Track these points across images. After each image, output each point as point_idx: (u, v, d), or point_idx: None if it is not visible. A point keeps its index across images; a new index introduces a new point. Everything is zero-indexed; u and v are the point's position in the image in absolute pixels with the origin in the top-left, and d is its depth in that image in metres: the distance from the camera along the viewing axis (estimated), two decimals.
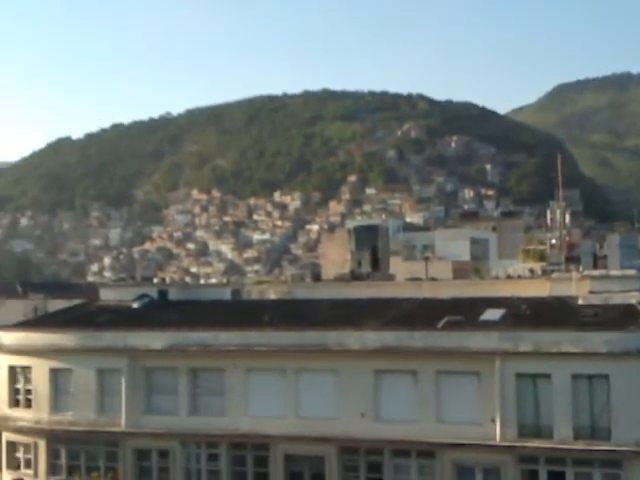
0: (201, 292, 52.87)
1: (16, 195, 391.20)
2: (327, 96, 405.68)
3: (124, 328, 43.26)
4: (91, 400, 42.45)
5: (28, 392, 44.14)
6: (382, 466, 37.84)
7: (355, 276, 57.52)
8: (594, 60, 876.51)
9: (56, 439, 43.08)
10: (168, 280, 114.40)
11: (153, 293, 49.39)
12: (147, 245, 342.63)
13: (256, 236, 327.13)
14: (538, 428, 35.66)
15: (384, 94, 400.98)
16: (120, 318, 45.68)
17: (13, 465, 44.57)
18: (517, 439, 35.63)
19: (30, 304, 77.99)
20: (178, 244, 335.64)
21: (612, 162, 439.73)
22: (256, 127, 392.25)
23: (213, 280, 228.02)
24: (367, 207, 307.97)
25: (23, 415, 44.08)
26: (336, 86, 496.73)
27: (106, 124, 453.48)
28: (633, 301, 38.29)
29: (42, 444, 43.36)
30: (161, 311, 46.64)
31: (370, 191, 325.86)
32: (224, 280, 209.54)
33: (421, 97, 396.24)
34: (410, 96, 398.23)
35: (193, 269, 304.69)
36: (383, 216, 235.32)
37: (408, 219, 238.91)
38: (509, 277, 58.36)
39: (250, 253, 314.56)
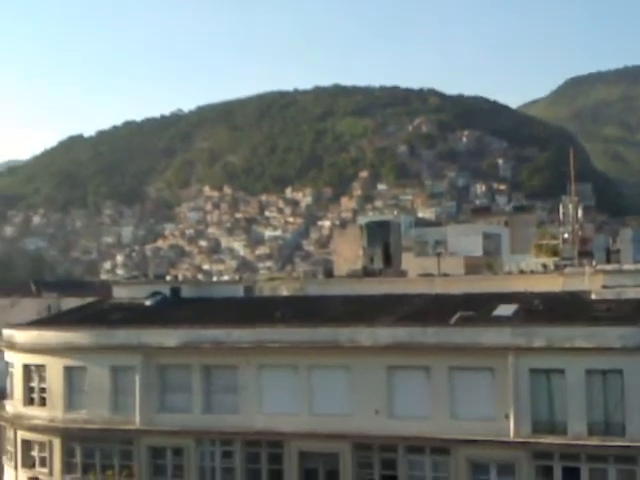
0: (213, 289, 52.89)
1: (29, 193, 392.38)
2: (338, 91, 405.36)
3: (137, 326, 43.32)
4: (105, 398, 42.54)
5: (42, 390, 44.23)
6: (396, 463, 37.82)
7: (367, 272, 57.44)
8: (606, 53, 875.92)
9: (71, 437, 43.17)
10: (180, 277, 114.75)
11: (166, 290, 49.46)
12: (159, 242, 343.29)
13: (268, 232, 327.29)
14: (552, 424, 35.58)
15: (395, 89, 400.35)
16: (133, 316, 45.76)
17: (28, 463, 44.69)
18: (531, 435, 35.55)
19: (44, 302, 78.33)
20: (190, 241, 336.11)
21: (624, 156, 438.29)
22: (267, 123, 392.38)
23: (225, 277, 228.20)
24: (379, 203, 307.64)
25: (38, 413, 44.19)
26: (347, 81, 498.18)
27: (118, 121, 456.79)
28: None
29: (57, 442, 43.45)
30: (174, 308, 46.71)
31: (382, 187, 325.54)
32: (236, 277, 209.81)
33: (432, 92, 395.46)
34: (421, 91, 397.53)
35: (205, 266, 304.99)
36: (395, 212, 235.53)
37: (420, 214, 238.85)
38: (522, 272, 58.10)
39: (262, 250, 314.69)
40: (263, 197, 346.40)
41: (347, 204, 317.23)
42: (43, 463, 44.06)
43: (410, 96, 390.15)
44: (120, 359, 42.56)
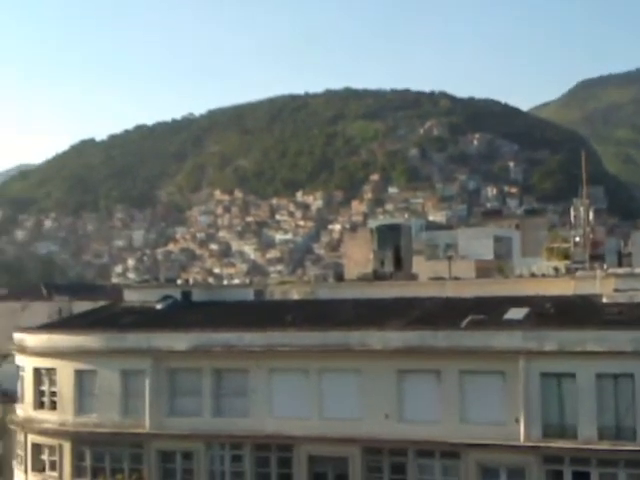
0: (224, 293, 52.87)
1: (40, 197, 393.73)
2: (349, 95, 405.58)
3: (148, 329, 43.32)
4: (115, 402, 42.54)
5: (53, 394, 44.25)
6: (406, 467, 37.71)
7: (378, 276, 57.41)
8: (617, 55, 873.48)
9: (81, 441, 43.19)
10: (191, 281, 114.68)
11: (177, 294, 49.49)
12: (170, 246, 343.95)
13: (279, 236, 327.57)
14: (563, 428, 35.42)
15: (406, 92, 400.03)
16: (144, 319, 45.78)
17: (38, 467, 44.72)
18: (541, 439, 35.40)
19: (55, 306, 78.73)
20: (201, 245, 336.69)
21: (636, 159, 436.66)
22: (278, 127, 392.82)
23: (236, 281, 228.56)
24: (389, 206, 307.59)
25: (48, 417, 44.22)
26: (358, 85, 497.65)
27: (129, 125, 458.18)
28: None
29: (67, 446, 43.48)
30: (185, 312, 46.71)
31: (392, 190, 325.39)
32: (247, 281, 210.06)
33: (443, 95, 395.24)
34: (432, 94, 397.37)
35: (216, 270, 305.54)
36: (406, 215, 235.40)
37: (431, 218, 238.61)
38: (533, 276, 57.97)
39: (273, 253, 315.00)
40: (274, 201, 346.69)
41: (358, 207, 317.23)
42: (53, 467, 44.09)
43: (421, 99, 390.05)
44: (130, 363, 42.57)
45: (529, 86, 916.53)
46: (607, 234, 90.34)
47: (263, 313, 45.53)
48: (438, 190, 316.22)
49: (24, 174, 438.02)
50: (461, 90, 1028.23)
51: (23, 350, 45.72)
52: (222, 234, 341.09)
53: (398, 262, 60.48)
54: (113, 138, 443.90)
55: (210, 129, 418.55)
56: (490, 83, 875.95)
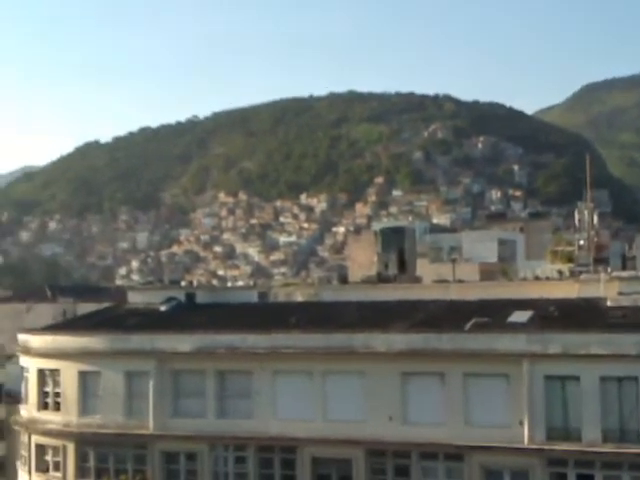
0: (228, 295, 52.88)
1: (45, 199, 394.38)
2: (353, 97, 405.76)
3: (152, 331, 43.40)
4: (119, 403, 42.61)
5: (57, 395, 44.32)
6: (410, 469, 37.70)
7: (382, 278, 57.29)
8: (622, 59, 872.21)
9: (85, 442, 43.25)
10: (195, 283, 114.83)
11: (181, 296, 49.52)
12: (174, 248, 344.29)
13: (282, 238, 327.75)
14: (567, 431, 35.41)
15: (410, 95, 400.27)
16: (148, 321, 45.84)
17: (42, 468, 44.79)
18: (545, 442, 35.39)
19: (59, 307, 78.96)
20: (205, 247, 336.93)
21: None
22: (282, 129, 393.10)
23: (240, 283, 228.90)
24: (393, 209, 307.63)
25: (52, 418, 44.29)
26: (362, 87, 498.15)
27: (134, 128, 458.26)
28: None
29: (71, 447, 43.54)
30: (189, 314, 46.77)
31: (397, 193, 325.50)
32: (251, 283, 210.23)
33: (448, 98, 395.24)
34: (437, 97, 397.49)
35: (220, 272, 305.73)
36: (410, 218, 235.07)
37: (435, 220, 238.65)
38: (537, 279, 57.83)
39: (277, 255, 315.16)
40: (278, 203, 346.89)
41: (362, 210, 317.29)
42: (57, 467, 44.17)
43: (425, 102, 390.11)
44: (134, 364, 42.62)
45: (534, 89, 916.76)
46: (611, 237, 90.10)
47: (267, 315, 45.56)
48: (442, 193, 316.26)
49: (29, 176, 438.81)
50: (465, 93, 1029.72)
51: (27, 351, 45.82)
52: (226, 236, 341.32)
53: (402, 265, 60.32)
54: (117, 140, 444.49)
55: (214, 131, 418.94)
56: (495, 86, 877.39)
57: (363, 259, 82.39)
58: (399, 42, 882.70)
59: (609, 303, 39.41)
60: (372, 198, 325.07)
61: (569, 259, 72.38)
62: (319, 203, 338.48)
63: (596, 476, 34.65)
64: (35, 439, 45.05)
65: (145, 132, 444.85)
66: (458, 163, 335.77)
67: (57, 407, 44.33)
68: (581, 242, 72.17)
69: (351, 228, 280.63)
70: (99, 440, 42.79)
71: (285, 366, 40.10)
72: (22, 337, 47.15)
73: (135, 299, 50.55)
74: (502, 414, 36.14)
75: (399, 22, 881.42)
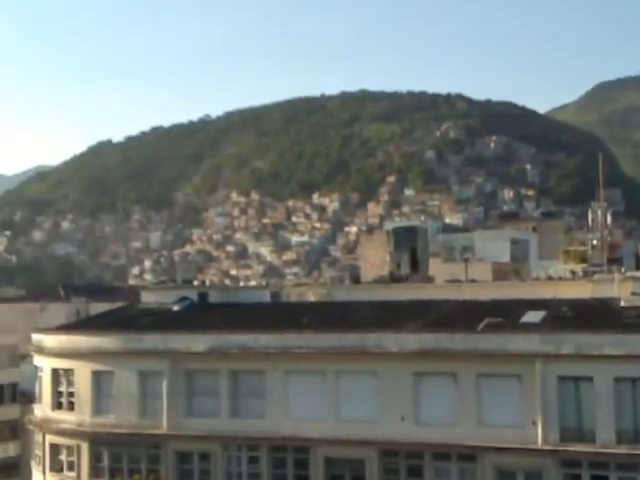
0: (241, 294, 52.94)
1: (58, 199, 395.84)
2: (365, 97, 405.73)
3: (165, 331, 43.46)
4: (133, 403, 42.69)
5: (71, 395, 44.43)
6: (422, 469, 37.64)
7: (394, 278, 57.30)
8: (634, 58, 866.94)
9: (99, 442, 43.35)
10: (208, 283, 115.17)
11: (193, 296, 49.56)
12: (187, 248, 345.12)
13: (295, 238, 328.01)
14: (580, 432, 35.29)
15: (422, 94, 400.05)
16: (161, 321, 45.91)
17: (56, 467, 44.93)
18: (559, 443, 35.27)
19: (72, 307, 79.29)
20: (218, 247, 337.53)
21: None
22: (294, 129, 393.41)
23: (252, 282, 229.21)
24: (406, 208, 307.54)
25: (66, 418, 44.40)
26: (374, 87, 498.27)
27: (146, 127, 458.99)
28: None
29: (85, 447, 43.65)
30: (201, 314, 46.82)
31: (409, 192, 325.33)
32: (263, 282, 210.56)
33: (460, 97, 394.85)
34: (449, 96, 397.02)
35: (233, 271, 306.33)
36: (422, 217, 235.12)
37: (447, 220, 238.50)
38: (550, 278, 57.75)
39: (289, 255, 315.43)
40: (290, 202, 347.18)
41: (374, 210, 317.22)
42: (71, 467, 44.27)
43: (438, 101, 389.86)
44: (148, 364, 42.71)
45: (546, 88, 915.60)
46: (625, 237, 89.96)
47: (279, 315, 45.61)
48: (454, 192, 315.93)
49: (42, 175, 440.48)
50: (478, 92, 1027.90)
51: (41, 351, 45.98)
52: (238, 236, 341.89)
53: (414, 264, 60.31)
54: (130, 140, 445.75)
55: (227, 131, 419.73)
56: (507, 85, 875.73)
57: (375, 259, 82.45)
58: (411, 41, 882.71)
59: (623, 303, 39.25)
60: (384, 198, 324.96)
61: (582, 259, 72.20)
62: (331, 203, 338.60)
63: (610, 477, 34.48)
64: (49, 439, 45.18)
65: (157, 132, 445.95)
66: (470, 162, 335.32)
67: (71, 407, 44.43)
68: (594, 242, 71.96)
69: (363, 228, 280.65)
70: (113, 440, 42.88)
71: (298, 366, 40.11)
72: (36, 337, 47.31)
73: (148, 299, 50.63)
74: (515, 415, 36.04)
75: (412, 21, 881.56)
